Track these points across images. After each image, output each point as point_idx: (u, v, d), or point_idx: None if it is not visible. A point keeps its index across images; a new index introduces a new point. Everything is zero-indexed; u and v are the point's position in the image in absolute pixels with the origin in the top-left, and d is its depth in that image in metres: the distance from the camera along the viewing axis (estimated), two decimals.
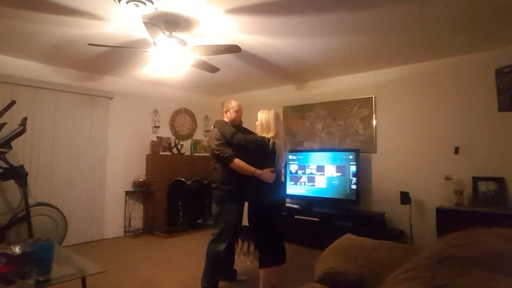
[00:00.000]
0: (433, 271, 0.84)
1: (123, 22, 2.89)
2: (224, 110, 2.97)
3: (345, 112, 4.64)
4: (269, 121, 2.65)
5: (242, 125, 3.05)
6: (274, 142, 2.60)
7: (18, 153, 3.82)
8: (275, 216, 2.70)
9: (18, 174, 3.59)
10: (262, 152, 2.60)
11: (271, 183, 2.62)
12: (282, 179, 2.86)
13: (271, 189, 2.64)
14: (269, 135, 2.63)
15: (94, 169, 4.63)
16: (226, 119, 2.94)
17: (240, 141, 2.68)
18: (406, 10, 2.63)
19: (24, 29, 3.08)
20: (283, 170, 2.91)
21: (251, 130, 3.02)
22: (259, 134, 2.68)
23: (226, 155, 2.71)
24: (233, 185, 2.78)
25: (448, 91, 3.82)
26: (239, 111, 2.95)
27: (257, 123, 2.72)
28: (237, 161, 2.69)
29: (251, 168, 2.63)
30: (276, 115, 2.69)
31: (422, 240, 3.81)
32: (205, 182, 5.50)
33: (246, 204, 2.76)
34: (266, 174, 2.60)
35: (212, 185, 2.90)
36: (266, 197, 2.62)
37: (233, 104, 2.94)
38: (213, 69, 3.46)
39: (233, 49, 2.92)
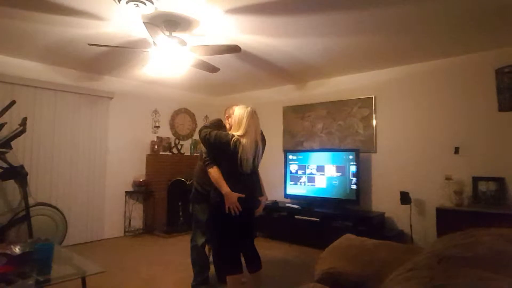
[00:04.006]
0: (433, 271, 0.84)
1: (123, 22, 2.89)
2: (226, 116, 2.93)
3: (345, 112, 4.64)
4: (241, 119, 2.45)
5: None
6: (238, 141, 2.36)
7: (18, 153, 3.81)
8: (241, 224, 2.50)
9: (18, 174, 3.58)
10: (223, 150, 2.40)
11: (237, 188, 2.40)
12: (261, 182, 2.65)
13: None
14: (238, 133, 2.43)
15: (94, 169, 4.63)
16: (227, 125, 2.89)
17: (205, 137, 2.49)
18: (406, 10, 2.63)
19: (24, 29, 3.08)
20: (260, 176, 2.67)
21: None
22: (231, 132, 2.51)
23: (208, 158, 2.57)
24: (204, 186, 2.81)
25: (448, 91, 3.82)
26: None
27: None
28: (215, 168, 2.49)
29: (221, 182, 2.38)
30: (251, 113, 2.47)
31: (422, 240, 3.81)
32: None
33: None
34: (230, 197, 2.33)
35: None
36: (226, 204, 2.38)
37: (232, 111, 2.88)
38: (213, 69, 3.46)
39: (233, 49, 2.92)
